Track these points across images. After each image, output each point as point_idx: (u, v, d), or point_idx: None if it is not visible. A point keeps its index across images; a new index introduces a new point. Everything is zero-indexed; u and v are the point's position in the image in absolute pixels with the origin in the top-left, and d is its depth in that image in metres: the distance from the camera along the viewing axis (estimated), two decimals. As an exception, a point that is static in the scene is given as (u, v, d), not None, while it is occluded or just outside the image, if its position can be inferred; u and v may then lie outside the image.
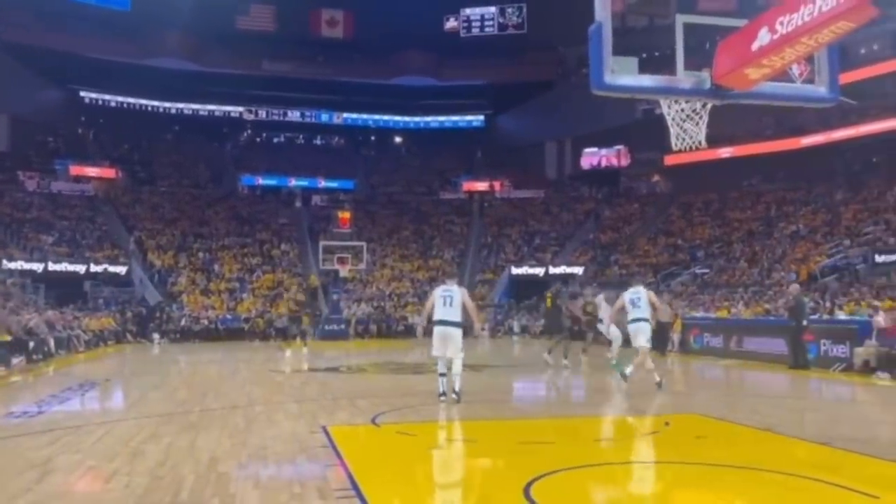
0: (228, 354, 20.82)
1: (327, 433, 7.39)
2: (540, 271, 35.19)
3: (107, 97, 44.49)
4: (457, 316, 9.38)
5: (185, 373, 16.05)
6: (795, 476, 5.59)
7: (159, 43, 41.55)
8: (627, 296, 11.21)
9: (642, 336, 10.87)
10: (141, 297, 30.71)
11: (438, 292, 9.59)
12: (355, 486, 5.24)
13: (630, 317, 11.12)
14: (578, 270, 35.21)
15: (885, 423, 8.84)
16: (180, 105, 46.62)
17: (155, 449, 6.68)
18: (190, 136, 46.88)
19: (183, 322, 28.50)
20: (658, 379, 10.68)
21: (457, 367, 9.40)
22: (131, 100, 45.29)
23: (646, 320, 10.98)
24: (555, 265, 35.85)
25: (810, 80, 5.05)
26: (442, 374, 9.52)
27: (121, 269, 31.62)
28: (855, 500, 4.98)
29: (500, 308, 33.56)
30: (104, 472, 5.81)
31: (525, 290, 34.05)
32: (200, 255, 34.95)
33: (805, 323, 14.83)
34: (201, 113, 47.20)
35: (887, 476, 5.80)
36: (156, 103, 46.03)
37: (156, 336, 27.08)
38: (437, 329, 9.42)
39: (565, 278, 34.84)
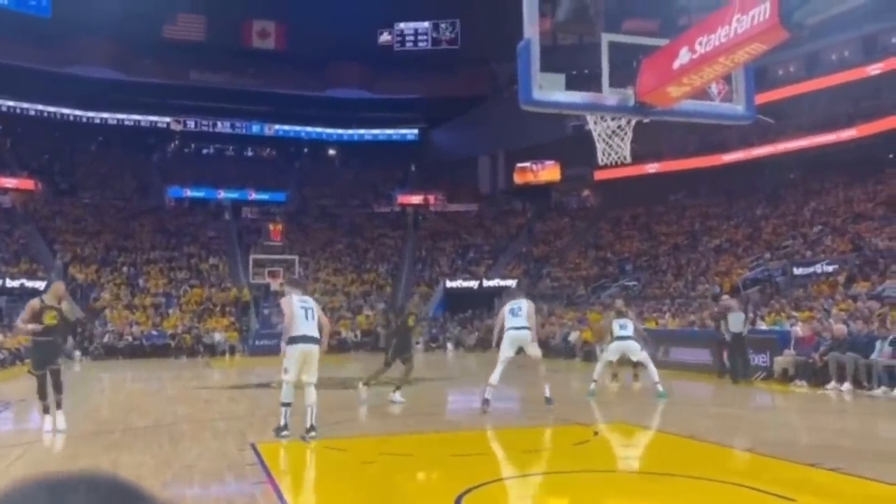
0: (154, 371, 20.20)
1: (256, 450, 7.24)
2: (474, 284, 35.41)
3: (25, 105, 42.73)
4: (317, 331, 7.98)
5: (107, 391, 15.48)
6: (717, 481, 5.77)
7: (82, 51, 40.22)
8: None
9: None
10: (61, 314, 29.49)
11: (296, 302, 7.96)
12: (284, 504, 5.15)
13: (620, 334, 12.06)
14: (512, 283, 35.52)
15: (801, 429, 9.21)
16: (105, 115, 45.13)
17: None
18: (115, 147, 45.41)
19: (106, 338, 27.50)
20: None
21: (313, 394, 7.88)
22: (52, 109, 43.59)
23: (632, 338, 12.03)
24: (488, 278, 36.13)
25: (729, 99, 5.27)
26: (288, 404, 7.87)
27: (40, 285, 30.25)
28: (772, 503, 5.17)
29: (434, 321, 33.59)
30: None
31: (459, 303, 34.19)
32: (125, 269, 33.83)
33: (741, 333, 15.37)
34: (127, 123, 45.80)
35: (803, 479, 6.04)
36: (78, 113, 44.45)
37: (77, 353, 26.04)
38: (298, 347, 7.79)
39: (499, 291, 35.14)
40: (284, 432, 7.76)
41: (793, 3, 3.72)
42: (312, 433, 7.71)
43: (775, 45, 4.07)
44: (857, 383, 12.40)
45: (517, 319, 10.35)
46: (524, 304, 10.62)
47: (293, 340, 7.78)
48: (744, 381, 14.15)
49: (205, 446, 7.67)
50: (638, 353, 12.07)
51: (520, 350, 10.42)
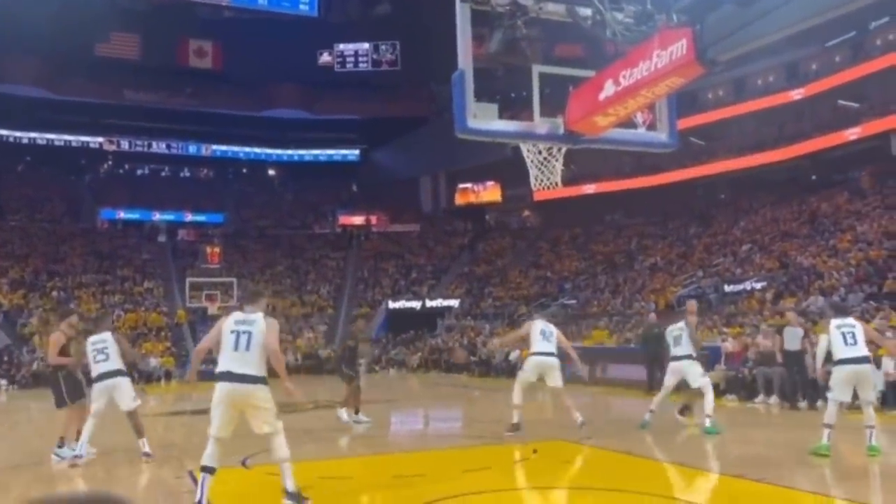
0: (86, 399, 19.56)
1: (193, 478, 7.12)
2: (417, 304, 35.46)
3: (-52, 124, 41.22)
4: (257, 367, 5.80)
5: (36, 420, 14.93)
6: (650, 495, 5.96)
7: (9, 68, 38.99)
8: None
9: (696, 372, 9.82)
10: (-14, 341, 28.33)
11: (229, 325, 5.88)
12: (223, 531, 5.11)
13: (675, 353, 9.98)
14: (454, 303, 35.74)
15: (730, 442, 9.53)
16: (33, 134, 43.83)
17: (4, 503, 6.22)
18: (44, 168, 44.05)
19: (35, 366, 26.48)
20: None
21: (278, 447, 5.97)
22: (-24, 128, 42.17)
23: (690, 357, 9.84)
24: (431, 298, 36.25)
25: (654, 127, 5.53)
26: (209, 470, 5.82)
27: (-37, 310, 29.06)
28: (702, 515, 5.38)
29: (377, 343, 33.47)
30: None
31: (402, 323, 34.17)
32: (55, 293, 32.72)
33: (661, 350, 15.80)
34: (56, 143, 44.54)
35: (730, 490, 6.29)
36: (4, 132, 43.05)
37: (2, 382, 25.03)
38: (222, 388, 5.78)
39: (441, 311, 35.26)
40: None
41: (707, 40, 3.97)
42: None
43: (693, 79, 4.33)
44: (783, 396, 12.89)
45: (547, 344, 9.78)
46: (555, 330, 10.07)
47: (216, 377, 5.87)
48: (809, 406, 11.97)
49: (141, 475, 7.52)
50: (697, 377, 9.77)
51: (540, 378, 9.86)
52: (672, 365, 9.99)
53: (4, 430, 12.33)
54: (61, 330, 9.01)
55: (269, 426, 5.84)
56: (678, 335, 9.97)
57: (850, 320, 7.83)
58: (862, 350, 7.55)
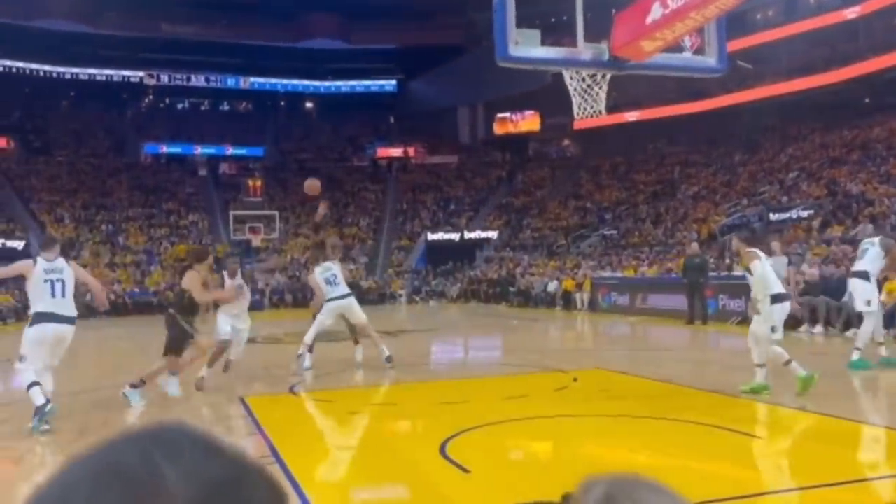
0: (138, 329, 20.30)
1: (245, 403, 7.41)
2: (455, 236, 35.57)
3: (-7, 61, 41.70)
4: (73, 310, 6.63)
5: (93, 349, 15.56)
6: (691, 423, 6.03)
7: (46, 3, 39.08)
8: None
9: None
10: (41, 273, 29.34)
11: (39, 274, 6.38)
12: (275, 454, 5.33)
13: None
14: (493, 234, 35.76)
15: (770, 371, 9.51)
16: (75, 70, 44.16)
17: (67, 427, 6.56)
18: (87, 103, 44.60)
19: (88, 297, 27.38)
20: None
21: (50, 380, 6.66)
22: (20, 64, 42.55)
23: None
24: (470, 230, 36.31)
25: (702, 51, 5.35)
26: (37, 383, 6.38)
27: (18, 244, 29.99)
28: (742, 441, 5.44)
29: (416, 274, 33.82)
30: (15, 453, 5.68)
31: (441, 255, 34.40)
32: (104, 227, 33.61)
33: (702, 280, 15.70)
34: (98, 78, 44.87)
35: (771, 418, 6.33)
36: (48, 68, 43.44)
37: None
38: (50, 328, 6.40)
39: (480, 243, 35.34)
40: (48, 406, 6.29)
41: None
42: (45, 427, 6.21)
43: (744, 1, 4.15)
44: (828, 325, 12.77)
45: (337, 289, 9.50)
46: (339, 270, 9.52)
47: (39, 318, 6.30)
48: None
49: (194, 401, 7.83)
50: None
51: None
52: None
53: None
54: (197, 269, 8.86)
55: (58, 360, 6.68)
56: (866, 248, 8.53)
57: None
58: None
